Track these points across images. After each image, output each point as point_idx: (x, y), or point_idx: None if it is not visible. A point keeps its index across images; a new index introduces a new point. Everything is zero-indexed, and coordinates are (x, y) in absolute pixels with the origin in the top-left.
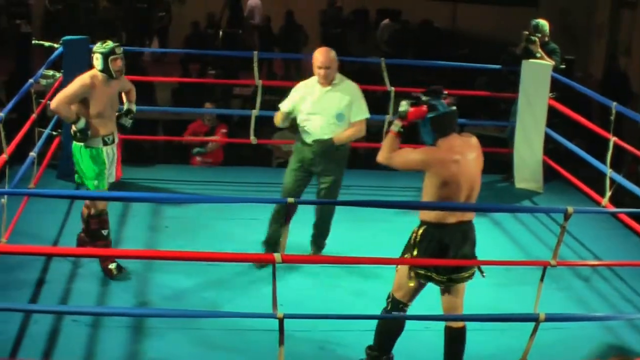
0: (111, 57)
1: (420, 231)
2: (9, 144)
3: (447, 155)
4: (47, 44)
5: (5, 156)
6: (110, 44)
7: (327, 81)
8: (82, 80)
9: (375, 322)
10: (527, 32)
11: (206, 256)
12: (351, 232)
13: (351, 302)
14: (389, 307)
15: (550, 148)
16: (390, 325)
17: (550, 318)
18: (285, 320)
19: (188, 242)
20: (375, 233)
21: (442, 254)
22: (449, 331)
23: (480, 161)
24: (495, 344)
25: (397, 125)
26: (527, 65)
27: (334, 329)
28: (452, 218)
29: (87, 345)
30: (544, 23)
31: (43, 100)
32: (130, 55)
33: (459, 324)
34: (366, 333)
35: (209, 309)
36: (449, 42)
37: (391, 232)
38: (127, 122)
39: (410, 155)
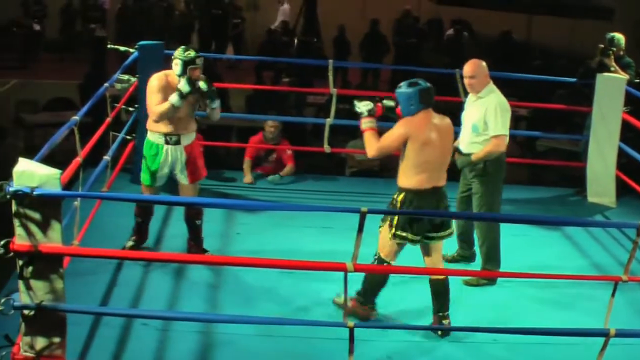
0: (190, 66)
1: (400, 197)
2: (83, 147)
3: (425, 122)
4: (122, 48)
5: (79, 159)
6: (192, 53)
7: (473, 91)
8: (155, 78)
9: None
10: (602, 46)
11: (277, 263)
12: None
13: (421, 313)
14: (375, 263)
15: (624, 162)
16: (376, 278)
17: (621, 334)
18: (355, 330)
19: (260, 248)
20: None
21: (419, 217)
22: (433, 284)
23: (451, 137)
24: (565, 359)
25: (371, 122)
26: (601, 79)
27: (404, 339)
28: (428, 184)
29: (157, 349)
30: (619, 37)
31: (118, 105)
32: (204, 61)
33: (441, 277)
34: (436, 344)
35: (280, 316)
36: (523, 53)
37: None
38: (204, 85)
39: (393, 135)
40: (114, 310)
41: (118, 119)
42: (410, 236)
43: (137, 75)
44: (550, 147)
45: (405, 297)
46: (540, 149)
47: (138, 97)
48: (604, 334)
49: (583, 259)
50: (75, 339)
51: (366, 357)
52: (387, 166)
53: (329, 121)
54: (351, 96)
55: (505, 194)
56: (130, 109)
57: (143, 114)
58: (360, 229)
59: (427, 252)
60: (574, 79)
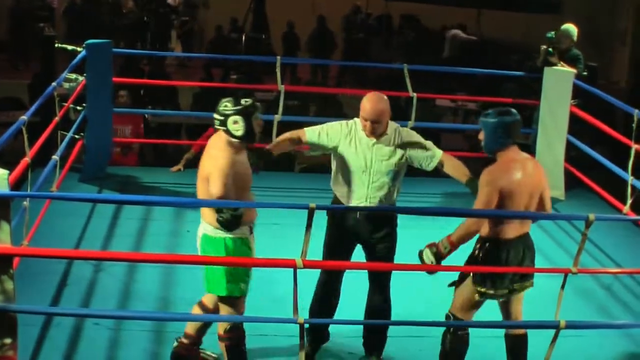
0: (255, 115)
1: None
2: (31, 147)
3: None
4: (70, 47)
5: (27, 159)
6: (249, 100)
7: None
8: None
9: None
10: (544, 47)
11: (227, 261)
12: None
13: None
14: (452, 329)
15: (572, 155)
16: (456, 345)
17: (571, 325)
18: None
19: None
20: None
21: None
22: (509, 339)
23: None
24: None
25: (446, 248)
26: (549, 73)
27: (356, 334)
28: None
29: (109, 349)
30: (568, 28)
31: (66, 104)
32: (154, 59)
33: (520, 331)
34: (393, 339)
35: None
36: (475, 49)
37: (417, 239)
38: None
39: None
40: (65, 311)
41: (66, 118)
42: (494, 291)
43: (84, 75)
44: None
45: (359, 293)
46: None
47: (86, 96)
48: (555, 325)
49: None
50: (26, 339)
51: (319, 354)
52: None
53: (277, 117)
54: (300, 92)
55: (456, 188)
56: (79, 107)
57: (91, 112)
58: (309, 225)
59: (509, 304)
60: (521, 73)
